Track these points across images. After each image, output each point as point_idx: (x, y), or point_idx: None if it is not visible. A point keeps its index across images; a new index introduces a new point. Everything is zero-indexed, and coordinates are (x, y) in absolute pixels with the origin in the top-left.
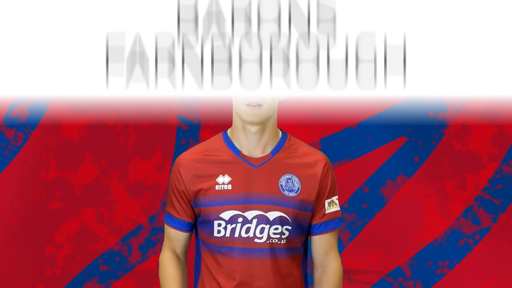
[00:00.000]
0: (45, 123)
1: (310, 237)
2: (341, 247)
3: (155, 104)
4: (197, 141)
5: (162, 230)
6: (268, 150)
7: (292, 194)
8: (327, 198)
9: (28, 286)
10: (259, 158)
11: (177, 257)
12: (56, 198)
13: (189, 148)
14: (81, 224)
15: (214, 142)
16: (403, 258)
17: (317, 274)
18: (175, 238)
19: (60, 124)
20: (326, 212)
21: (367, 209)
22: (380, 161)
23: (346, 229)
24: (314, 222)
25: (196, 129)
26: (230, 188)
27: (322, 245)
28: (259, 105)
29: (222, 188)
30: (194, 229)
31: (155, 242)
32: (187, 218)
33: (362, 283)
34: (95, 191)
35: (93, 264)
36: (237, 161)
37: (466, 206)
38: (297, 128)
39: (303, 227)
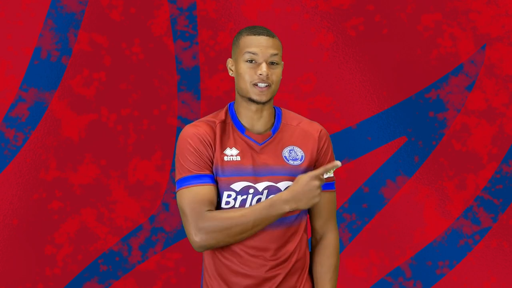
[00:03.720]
0: (45, 123)
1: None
2: (341, 247)
3: (155, 104)
4: None
5: (162, 230)
6: (269, 126)
7: (297, 163)
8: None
9: (28, 286)
10: (262, 135)
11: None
12: (56, 198)
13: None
14: (81, 224)
15: (221, 116)
16: (403, 258)
17: (314, 241)
18: (210, 195)
19: (60, 124)
20: (324, 177)
21: (367, 209)
22: (380, 161)
23: (346, 229)
24: None
25: None
26: (239, 159)
27: (321, 211)
28: (268, 86)
29: (232, 159)
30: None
31: (155, 242)
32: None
33: (362, 283)
34: (95, 191)
35: (93, 264)
36: (242, 138)
37: (466, 206)
38: None
39: None
